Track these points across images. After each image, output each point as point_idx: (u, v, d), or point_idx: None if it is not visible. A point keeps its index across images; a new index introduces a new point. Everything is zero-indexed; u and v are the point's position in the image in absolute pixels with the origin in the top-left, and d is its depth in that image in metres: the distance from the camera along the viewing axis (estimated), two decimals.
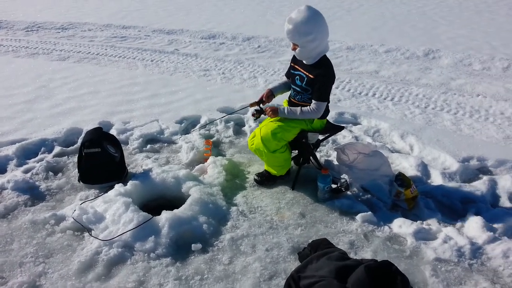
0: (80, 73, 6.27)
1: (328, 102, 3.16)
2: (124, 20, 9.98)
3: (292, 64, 3.26)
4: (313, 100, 3.07)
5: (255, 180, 3.41)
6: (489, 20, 9.42)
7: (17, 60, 7.08)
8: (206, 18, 10.20)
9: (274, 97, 3.36)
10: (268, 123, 3.23)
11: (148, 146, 4.04)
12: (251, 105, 3.33)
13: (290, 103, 3.31)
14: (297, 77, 3.15)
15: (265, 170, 3.43)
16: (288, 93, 3.37)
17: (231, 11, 11.12)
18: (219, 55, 7.21)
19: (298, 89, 3.17)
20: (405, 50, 7.21)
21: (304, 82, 3.09)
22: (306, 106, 3.11)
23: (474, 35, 8.10)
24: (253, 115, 3.28)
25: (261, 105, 3.33)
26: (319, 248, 2.47)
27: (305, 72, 3.08)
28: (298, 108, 3.11)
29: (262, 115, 3.28)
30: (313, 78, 3.02)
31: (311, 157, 3.57)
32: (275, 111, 3.15)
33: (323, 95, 3.05)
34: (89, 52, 7.54)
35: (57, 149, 3.92)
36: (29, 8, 11.80)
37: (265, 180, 3.38)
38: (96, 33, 8.96)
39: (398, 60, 6.83)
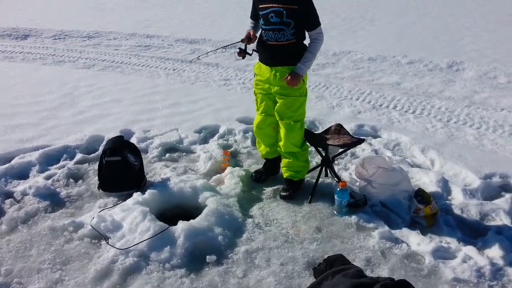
0: (104, 81, 6.41)
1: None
2: (148, 30, 10.17)
3: (257, 3, 3.08)
4: (311, 32, 3.02)
5: (284, 197, 3.34)
6: None
7: (44, 68, 7.30)
8: (228, 28, 10.30)
9: (256, 37, 3.21)
10: (283, 136, 3.24)
11: (167, 155, 4.09)
12: (242, 40, 3.15)
13: (266, 47, 3.11)
14: (271, 14, 2.94)
15: (286, 184, 3.40)
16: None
17: None
18: (239, 65, 7.26)
19: (275, 26, 2.97)
20: (428, 61, 7.11)
21: (284, 16, 2.91)
22: (290, 43, 3.01)
23: (500, 48, 7.93)
24: (239, 54, 3.19)
25: (247, 45, 3.18)
26: (335, 264, 2.44)
27: (281, 6, 2.90)
28: (307, 53, 3.03)
29: (247, 55, 3.21)
30: (296, 8, 2.90)
31: (329, 170, 3.54)
32: (295, 77, 3.00)
33: (317, 19, 3.01)
34: (114, 61, 7.71)
35: (78, 156, 4.00)
36: (58, 16, 12.15)
37: (292, 192, 3.35)
38: (121, 42, 9.16)
39: (421, 72, 6.74)
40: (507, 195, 3.30)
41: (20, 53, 8.38)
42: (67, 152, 4.08)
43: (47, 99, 5.60)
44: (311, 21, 3.01)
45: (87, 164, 3.90)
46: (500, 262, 2.59)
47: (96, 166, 3.65)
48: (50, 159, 3.94)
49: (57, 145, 4.16)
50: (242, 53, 3.20)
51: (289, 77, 3.01)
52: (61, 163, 3.89)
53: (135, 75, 6.83)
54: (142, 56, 8.01)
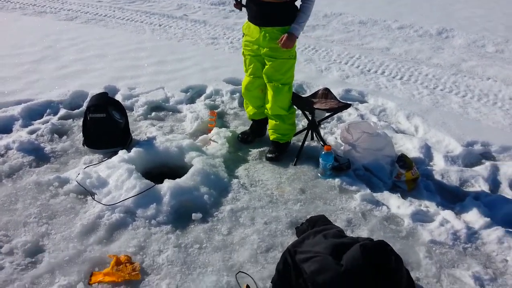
0: (87, 35, 6.21)
1: None
2: None
3: None
4: None
5: (270, 158, 3.37)
6: (508, 0, 9.15)
7: (24, 18, 7.01)
8: None
9: None
10: (270, 99, 3.22)
11: (153, 113, 4.05)
12: None
13: (257, 4, 3.00)
14: None
15: (272, 146, 3.43)
16: None
17: None
18: (228, 23, 7.09)
19: None
20: (419, 27, 7.06)
21: None
22: (282, 2, 2.92)
23: (491, 16, 7.90)
24: (235, 5, 3.12)
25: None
26: (317, 224, 2.52)
27: None
28: (300, 13, 2.97)
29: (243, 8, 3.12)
30: None
31: (315, 134, 3.57)
32: (291, 38, 2.93)
33: None
34: (97, 14, 7.44)
35: (62, 111, 3.94)
36: None
37: (278, 154, 3.38)
38: None
39: (411, 38, 6.70)
40: (487, 163, 3.39)
41: None
42: (51, 107, 4.00)
43: (28, 51, 5.42)
44: None
45: (71, 120, 3.84)
46: (476, 226, 2.70)
47: (80, 122, 3.60)
48: (33, 114, 3.86)
49: (40, 99, 4.07)
50: (238, 5, 3.12)
51: (284, 37, 2.94)
52: (45, 118, 3.82)
53: (120, 29, 6.63)
54: (127, 10, 7.74)
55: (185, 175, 2.97)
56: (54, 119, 3.78)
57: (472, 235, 2.65)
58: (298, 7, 3.06)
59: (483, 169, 3.32)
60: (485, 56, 5.96)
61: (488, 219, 2.72)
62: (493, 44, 6.36)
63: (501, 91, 4.78)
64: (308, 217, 2.67)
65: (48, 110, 3.94)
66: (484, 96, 4.68)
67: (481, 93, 4.75)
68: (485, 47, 6.31)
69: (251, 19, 3.15)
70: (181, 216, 2.70)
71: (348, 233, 2.61)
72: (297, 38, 3.01)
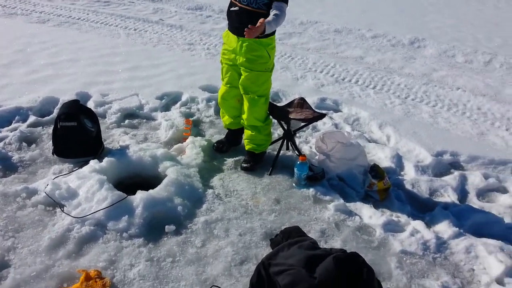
0: (60, 39, 6.06)
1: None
2: None
3: None
4: (275, 3, 2.85)
5: (245, 168, 3.36)
6: (476, 12, 9.47)
7: None
8: None
9: None
10: (246, 110, 3.22)
11: (126, 121, 3.98)
12: None
13: (236, 12, 2.97)
14: None
15: (247, 155, 3.42)
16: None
17: None
18: (205, 29, 7.06)
19: None
20: (392, 37, 7.21)
21: None
22: (260, 13, 2.87)
23: (461, 26, 8.15)
24: None
25: None
26: (291, 236, 2.52)
27: None
28: (274, 17, 2.80)
29: None
30: None
31: (290, 143, 3.59)
32: (259, 28, 2.68)
33: None
34: (70, 16, 7.28)
35: (31, 118, 3.82)
36: None
37: (253, 164, 3.38)
38: None
39: (384, 47, 6.84)
40: (456, 173, 3.48)
41: None
42: (20, 113, 3.88)
43: None
44: None
45: (41, 127, 3.73)
46: (445, 236, 2.76)
47: (50, 130, 3.51)
48: (1, 121, 3.73)
49: (9, 106, 3.94)
50: None
51: (258, 23, 2.70)
52: (13, 125, 3.70)
53: (93, 34, 6.51)
54: (101, 13, 7.61)
55: (159, 186, 2.93)
56: (23, 127, 3.67)
57: (441, 245, 2.71)
58: None
59: (452, 178, 3.41)
60: (455, 66, 6.14)
61: (456, 229, 2.80)
62: (462, 54, 6.56)
63: (470, 101, 4.93)
64: (283, 228, 2.68)
65: (16, 117, 3.82)
66: (453, 106, 4.81)
67: (450, 103, 4.88)
68: (455, 57, 6.50)
69: (231, 28, 3.14)
70: (154, 229, 2.66)
71: (322, 244, 2.64)
72: (264, 32, 2.77)
